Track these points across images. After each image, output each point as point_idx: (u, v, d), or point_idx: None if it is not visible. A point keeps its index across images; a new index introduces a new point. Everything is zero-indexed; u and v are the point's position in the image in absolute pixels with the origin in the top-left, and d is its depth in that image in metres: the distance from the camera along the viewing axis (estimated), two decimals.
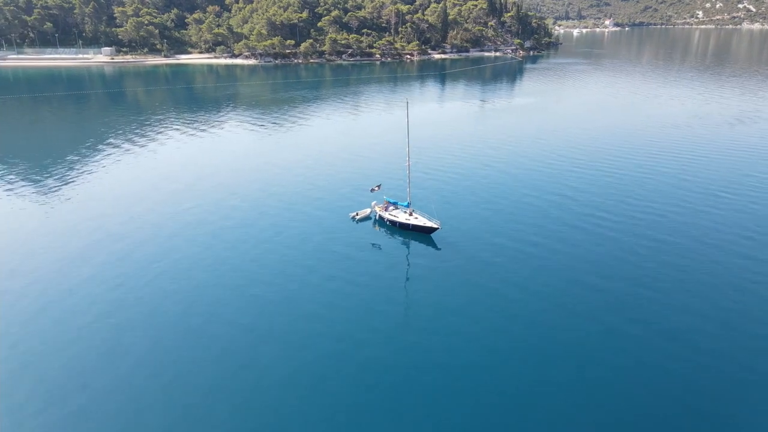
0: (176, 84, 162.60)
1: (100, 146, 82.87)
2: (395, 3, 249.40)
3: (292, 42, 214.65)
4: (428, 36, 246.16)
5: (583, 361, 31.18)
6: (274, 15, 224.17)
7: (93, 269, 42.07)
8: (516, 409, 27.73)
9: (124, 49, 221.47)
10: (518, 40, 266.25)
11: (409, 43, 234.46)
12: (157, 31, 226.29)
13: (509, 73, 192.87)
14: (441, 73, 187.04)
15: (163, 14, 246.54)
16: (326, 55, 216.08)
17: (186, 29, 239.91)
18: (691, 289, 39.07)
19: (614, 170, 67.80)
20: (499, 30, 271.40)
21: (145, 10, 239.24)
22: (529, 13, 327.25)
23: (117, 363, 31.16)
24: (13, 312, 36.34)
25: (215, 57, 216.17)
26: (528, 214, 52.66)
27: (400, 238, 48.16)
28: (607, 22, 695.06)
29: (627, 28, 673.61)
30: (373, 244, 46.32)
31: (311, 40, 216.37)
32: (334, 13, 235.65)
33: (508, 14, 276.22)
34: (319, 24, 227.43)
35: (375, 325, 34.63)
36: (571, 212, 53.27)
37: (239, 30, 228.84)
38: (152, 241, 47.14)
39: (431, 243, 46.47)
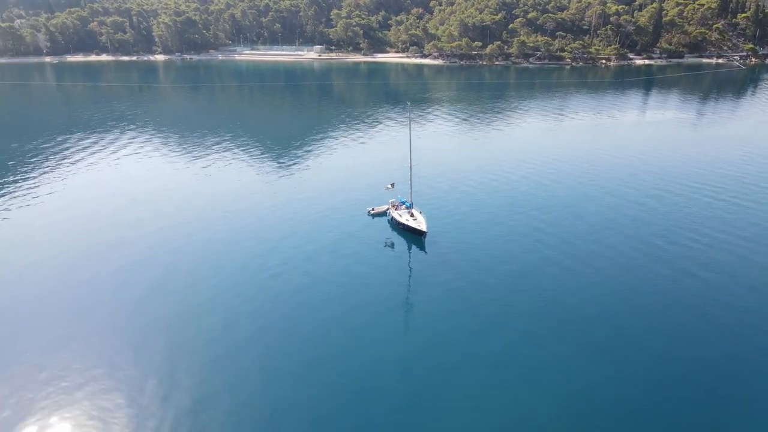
0: (372, 80, 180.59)
1: (323, 133, 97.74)
2: (604, 3, 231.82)
3: (479, 44, 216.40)
4: (635, 39, 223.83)
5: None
6: (467, 17, 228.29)
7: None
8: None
9: (332, 48, 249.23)
10: (750, 45, 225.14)
11: (608, 46, 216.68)
12: (361, 31, 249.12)
13: (735, 84, 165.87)
14: (642, 80, 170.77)
15: (371, 16, 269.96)
16: (512, 58, 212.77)
17: (388, 30, 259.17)
18: None
19: None
20: (728, 33, 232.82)
21: (357, 12, 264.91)
22: None
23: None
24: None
25: (407, 57, 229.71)
26: None
27: (399, 236, 49.90)
28: None
29: None
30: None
31: (499, 42, 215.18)
32: (531, 14, 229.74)
33: (743, 15, 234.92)
34: (510, 26, 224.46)
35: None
36: None
37: (433, 31, 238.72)
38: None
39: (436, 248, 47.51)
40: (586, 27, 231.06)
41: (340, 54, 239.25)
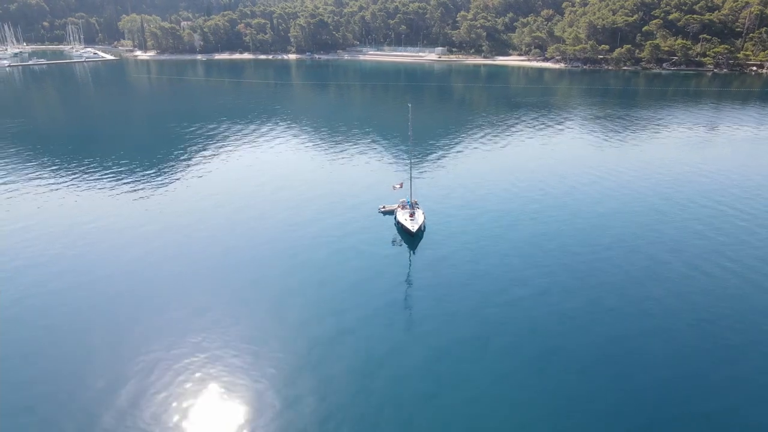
0: (490, 83, 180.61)
1: (458, 134, 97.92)
2: (765, 3, 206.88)
3: (606, 47, 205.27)
4: None
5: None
6: (597, 18, 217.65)
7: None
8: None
9: (454, 49, 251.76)
10: None
11: (762, 51, 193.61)
12: (485, 33, 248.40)
13: None
14: None
15: (498, 18, 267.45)
16: (642, 63, 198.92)
17: (513, 32, 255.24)
18: None
19: None
20: None
21: (482, 14, 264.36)
22: None
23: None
24: None
25: (528, 60, 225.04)
26: None
27: (398, 235, 50.61)
28: None
29: None
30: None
31: (628, 46, 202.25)
32: (673, 15, 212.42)
33: None
34: (644, 28, 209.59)
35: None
36: None
37: (559, 33, 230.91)
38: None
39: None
40: (739, 29, 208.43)
41: (459, 56, 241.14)
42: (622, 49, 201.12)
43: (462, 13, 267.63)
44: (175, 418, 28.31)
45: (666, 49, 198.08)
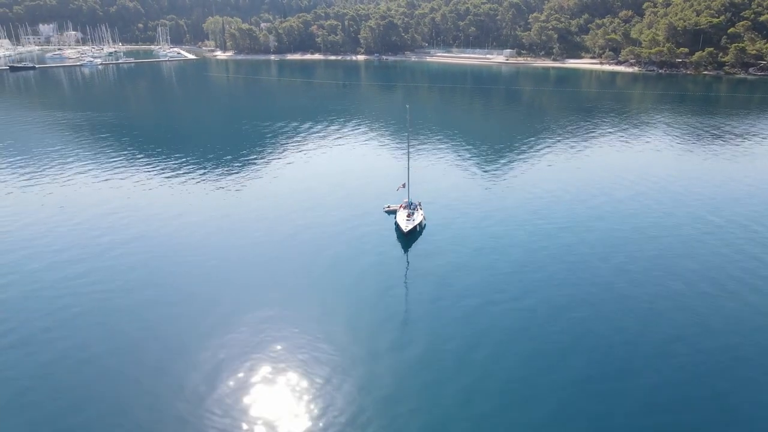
0: (560, 86, 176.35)
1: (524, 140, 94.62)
2: None
3: (685, 50, 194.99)
4: None
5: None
6: (679, 19, 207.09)
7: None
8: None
9: (523, 51, 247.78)
10: None
11: None
12: (556, 35, 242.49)
13: None
14: None
15: (572, 19, 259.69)
16: (726, 67, 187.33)
17: (587, 34, 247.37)
18: None
19: None
20: None
21: (555, 15, 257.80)
22: None
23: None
24: None
25: (600, 63, 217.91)
26: None
27: (396, 233, 51.12)
28: None
29: None
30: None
31: (710, 49, 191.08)
32: (765, 16, 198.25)
33: None
34: (730, 30, 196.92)
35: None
36: None
37: (636, 36, 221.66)
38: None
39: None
40: None
41: (528, 59, 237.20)
42: (704, 53, 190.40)
43: (535, 14, 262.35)
44: (247, 405, 29.54)
45: (753, 52, 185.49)
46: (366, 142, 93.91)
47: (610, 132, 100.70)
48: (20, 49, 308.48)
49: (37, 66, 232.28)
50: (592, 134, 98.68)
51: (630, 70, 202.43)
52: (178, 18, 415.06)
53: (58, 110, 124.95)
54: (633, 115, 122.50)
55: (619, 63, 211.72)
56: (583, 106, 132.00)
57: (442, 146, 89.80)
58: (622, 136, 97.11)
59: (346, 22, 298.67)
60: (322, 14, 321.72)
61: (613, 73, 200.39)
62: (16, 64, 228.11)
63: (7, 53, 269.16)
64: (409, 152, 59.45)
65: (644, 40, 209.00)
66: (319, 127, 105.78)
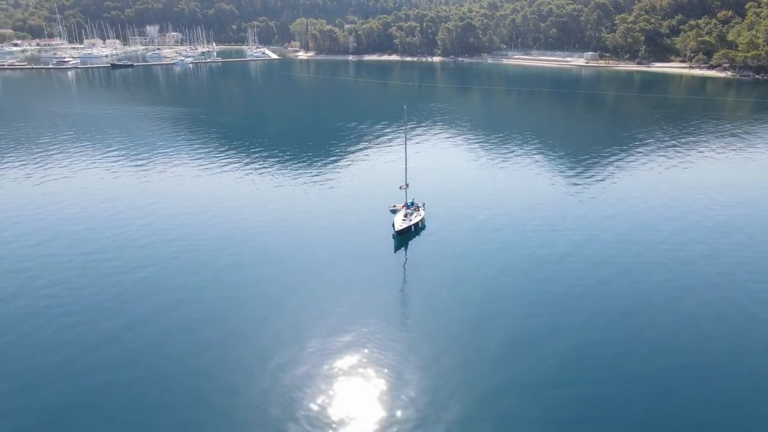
0: (645, 92, 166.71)
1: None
2: None
3: None
4: None
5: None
6: None
7: None
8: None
9: (606, 54, 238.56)
10: None
11: None
12: (643, 37, 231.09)
13: None
14: None
15: (664, 20, 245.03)
16: None
17: (678, 36, 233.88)
18: None
19: None
20: None
21: (645, 16, 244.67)
22: None
23: None
24: None
25: (690, 67, 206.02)
26: None
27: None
28: None
29: None
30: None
31: None
32: None
33: None
34: None
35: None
36: None
37: (733, 38, 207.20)
38: None
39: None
40: None
41: (610, 62, 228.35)
42: None
43: (623, 15, 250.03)
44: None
45: None
46: (437, 143, 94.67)
47: (694, 141, 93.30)
48: (127, 48, 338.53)
49: (135, 64, 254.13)
50: (681, 145, 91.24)
51: (722, 75, 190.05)
52: (269, 19, 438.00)
53: (140, 104, 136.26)
54: (729, 122, 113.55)
55: (710, 67, 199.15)
56: (670, 113, 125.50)
57: (520, 152, 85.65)
58: (717, 147, 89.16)
59: (424, 24, 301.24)
60: (402, 16, 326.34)
61: (704, 78, 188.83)
62: (117, 62, 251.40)
63: (115, 52, 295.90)
64: (407, 153, 56.77)
65: (741, 43, 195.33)
66: (395, 126, 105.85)
